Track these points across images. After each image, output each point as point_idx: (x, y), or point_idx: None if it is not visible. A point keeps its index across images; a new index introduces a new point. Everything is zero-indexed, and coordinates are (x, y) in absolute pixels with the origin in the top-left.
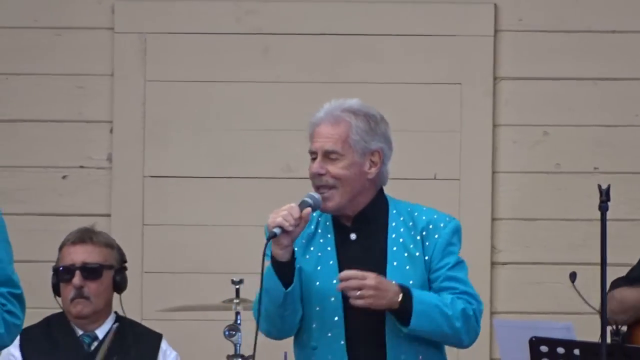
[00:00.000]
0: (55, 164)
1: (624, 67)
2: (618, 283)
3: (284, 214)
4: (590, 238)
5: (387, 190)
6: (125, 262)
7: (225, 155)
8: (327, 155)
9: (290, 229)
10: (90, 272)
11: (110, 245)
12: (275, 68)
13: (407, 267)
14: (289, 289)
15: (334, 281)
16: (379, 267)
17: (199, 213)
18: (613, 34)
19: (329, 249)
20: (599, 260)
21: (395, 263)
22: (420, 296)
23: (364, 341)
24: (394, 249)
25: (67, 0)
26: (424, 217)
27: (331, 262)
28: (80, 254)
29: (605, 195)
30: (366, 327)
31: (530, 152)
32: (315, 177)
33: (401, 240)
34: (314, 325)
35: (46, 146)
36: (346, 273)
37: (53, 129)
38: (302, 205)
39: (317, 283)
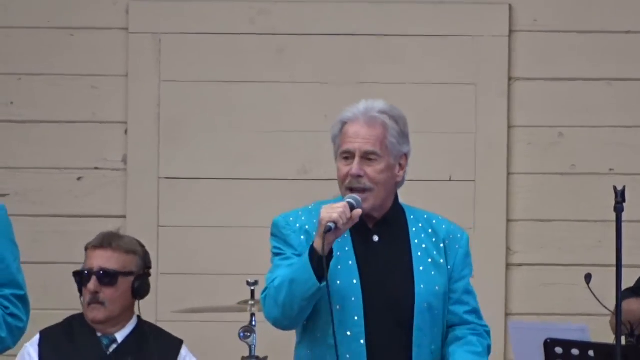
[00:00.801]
0: (70, 166)
1: (638, 68)
2: (625, 295)
3: (339, 211)
4: (605, 239)
5: (403, 191)
6: (149, 267)
7: (240, 156)
8: (366, 157)
9: (342, 227)
10: (107, 278)
11: (133, 251)
12: (289, 69)
13: (433, 273)
14: (323, 283)
15: (354, 281)
16: (405, 271)
17: (214, 214)
18: (628, 35)
19: (347, 249)
20: (614, 261)
21: (421, 268)
22: None
23: (386, 345)
24: (419, 254)
25: (82, 1)
26: (443, 227)
27: (350, 262)
28: (99, 259)
29: (620, 197)
30: (389, 328)
31: (545, 153)
32: (352, 178)
33: (424, 246)
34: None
35: (61, 147)
36: None
37: (68, 130)
38: (350, 206)
39: (338, 282)
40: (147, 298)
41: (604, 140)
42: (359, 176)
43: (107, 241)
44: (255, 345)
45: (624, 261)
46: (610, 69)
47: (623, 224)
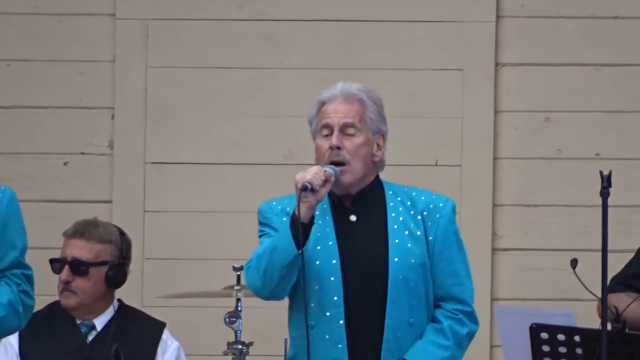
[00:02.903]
0: (56, 151)
1: (626, 53)
2: (614, 288)
3: (313, 171)
4: (591, 224)
5: (389, 176)
6: (126, 257)
7: (227, 141)
8: (344, 130)
9: (318, 188)
10: (78, 268)
11: (107, 240)
12: (277, 54)
13: (409, 245)
14: (301, 249)
15: (334, 261)
16: (381, 246)
17: (200, 199)
18: (615, 20)
19: (327, 230)
20: (600, 246)
21: (397, 240)
22: None
23: (364, 322)
24: (395, 227)
25: None
26: (422, 198)
27: (330, 243)
28: (72, 249)
29: (606, 182)
30: (367, 307)
31: (532, 138)
32: (331, 150)
33: (401, 218)
34: (312, 305)
35: (48, 133)
36: None
37: (54, 116)
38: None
39: (317, 262)
40: (132, 283)
41: (590, 125)
42: (338, 148)
43: (80, 231)
44: (241, 331)
45: (610, 246)
46: (598, 54)
47: (609, 209)
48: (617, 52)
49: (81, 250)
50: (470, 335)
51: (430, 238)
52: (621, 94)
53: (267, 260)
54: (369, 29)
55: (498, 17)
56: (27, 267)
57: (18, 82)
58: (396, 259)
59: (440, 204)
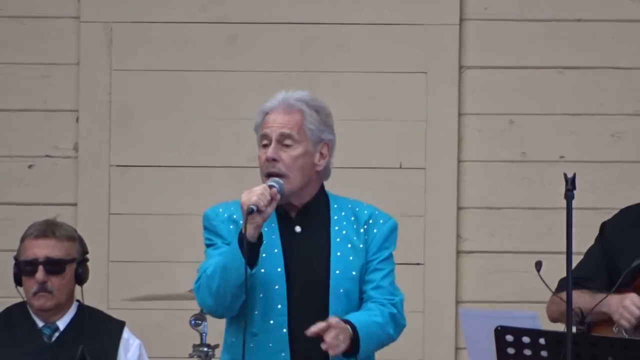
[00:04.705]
0: (21, 153)
1: (589, 56)
2: (563, 285)
3: (258, 192)
4: (555, 227)
5: (353, 178)
6: (87, 253)
7: (192, 144)
8: (282, 141)
9: (264, 208)
10: (54, 266)
11: (72, 238)
12: (241, 57)
13: (351, 258)
14: (254, 270)
15: (279, 269)
16: (324, 257)
17: (165, 202)
18: (579, 23)
19: (273, 237)
20: (564, 249)
21: (338, 253)
22: (359, 321)
23: (307, 329)
24: (337, 240)
25: None
26: (365, 212)
27: (276, 251)
28: (43, 249)
29: (571, 184)
30: (310, 317)
31: (496, 141)
32: (268, 162)
33: (344, 232)
34: (256, 312)
35: (12, 135)
36: (314, 330)
37: (19, 119)
38: (271, 188)
39: (262, 270)
40: (98, 285)
41: (554, 128)
42: (274, 160)
43: (50, 230)
44: (206, 334)
45: (575, 248)
46: (561, 57)
47: (573, 211)
48: (581, 54)
49: (53, 249)
50: (394, 318)
51: (365, 248)
52: (585, 97)
53: (219, 281)
54: (332, 31)
55: (462, 19)
56: None
57: None
58: (337, 272)
59: (381, 221)
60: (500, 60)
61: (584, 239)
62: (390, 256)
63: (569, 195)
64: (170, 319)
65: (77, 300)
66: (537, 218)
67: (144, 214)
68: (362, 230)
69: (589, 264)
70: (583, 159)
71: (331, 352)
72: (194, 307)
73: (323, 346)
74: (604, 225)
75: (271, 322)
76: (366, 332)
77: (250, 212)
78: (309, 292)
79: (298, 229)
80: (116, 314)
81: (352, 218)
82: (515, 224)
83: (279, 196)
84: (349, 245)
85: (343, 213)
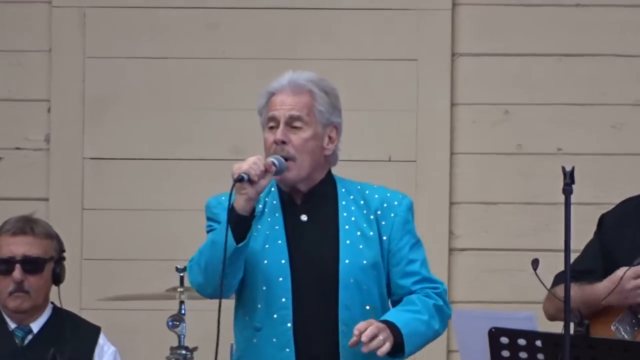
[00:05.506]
0: None
1: (588, 42)
2: (561, 277)
3: (250, 161)
4: (553, 223)
5: (340, 172)
6: (64, 251)
7: (170, 135)
8: (291, 123)
9: (256, 178)
10: (32, 265)
11: (50, 235)
12: (221, 44)
13: (361, 246)
14: (241, 244)
15: (283, 261)
16: (332, 246)
17: (142, 197)
18: (577, 8)
19: (277, 227)
20: (562, 246)
21: (348, 242)
22: (401, 319)
23: (314, 325)
24: (346, 227)
25: None
26: (376, 196)
27: (280, 242)
28: (21, 246)
29: (569, 178)
30: (317, 311)
31: (491, 133)
32: (276, 145)
33: (353, 219)
34: (259, 306)
35: None
36: (360, 330)
37: None
38: (273, 164)
39: (265, 262)
40: (70, 285)
41: (551, 119)
42: (283, 142)
43: (27, 226)
44: (184, 335)
45: (573, 246)
46: (559, 43)
47: (572, 207)
48: (580, 41)
49: (31, 247)
50: (440, 310)
51: (384, 238)
52: (584, 86)
53: (207, 256)
54: (317, 17)
55: (454, 4)
56: None
57: None
58: (347, 261)
59: (395, 202)
60: (495, 47)
61: (583, 236)
62: (418, 240)
63: (567, 190)
64: (146, 320)
65: (52, 303)
66: (533, 214)
67: (119, 209)
68: (372, 217)
69: (585, 257)
70: (582, 152)
71: (367, 350)
72: (171, 307)
73: (363, 349)
74: (602, 218)
75: (275, 316)
76: (410, 330)
77: (239, 179)
78: (315, 284)
79: (304, 217)
80: (90, 315)
81: (362, 202)
82: (511, 219)
83: (273, 168)
84: (358, 233)
85: (352, 197)
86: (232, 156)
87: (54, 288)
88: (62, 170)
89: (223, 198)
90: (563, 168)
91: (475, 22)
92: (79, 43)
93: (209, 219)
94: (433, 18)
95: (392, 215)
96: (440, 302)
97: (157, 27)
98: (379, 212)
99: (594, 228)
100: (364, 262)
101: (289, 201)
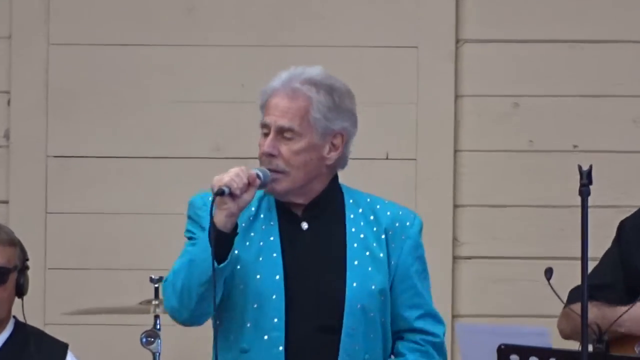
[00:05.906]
0: None
1: (605, 28)
2: (576, 294)
3: (232, 173)
4: (568, 228)
5: None
6: (27, 259)
7: (143, 131)
8: (281, 133)
9: (238, 192)
10: None
11: (14, 242)
12: (201, 30)
13: (370, 269)
14: (223, 265)
15: (277, 277)
16: (337, 265)
17: (112, 199)
18: None
19: (272, 238)
20: (579, 254)
21: (356, 262)
22: None
23: (310, 352)
24: (355, 245)
25: None
26: (388, 213)
27: (274, 255)
28: None
29: (586, 178)
30: (313, 334)
31: (499, 128)
32: (264, 157)
33: (362, 236)
34: (247, 325)
35: None
36: None
37: None
38: (257, 176)
39: (258, 276)
40: (33, 297)
41: (566, 112)
42: (272, 155)
43: None
44: (160, 352)
45: (591, 253)
46: (573, 29)
47: (589, 210)
48: (596, 26)
49: None
50: (444, 347)
51: (392, 262)
52: (601, 75)
53: (184, 276)
54: (309, 0)
55: None
56: None
57: None
58: (355, 284)
59: (407, 223)
60: (502, 33)
61: (601, 242)
62: (426, 268)
63: (584, 191)
64: (117, 335)
65: (14, 317)
66: (546, 218)
67: (87, 212)
68: (383, 236)
69: (602, 269)
70: (600, 149)
71: None
72: (146, 322)
73: None
74: (622, 225)
75: (265, 337)
76: None
77: (219, 193)
78: (313, 304)
79: (305, 225)
80: (55, 331)
81: (372, 218)
82: (521, 224)
83: (258, 182)
84: (367, 253)
85: (360, 210)
86: (213, 154)
87: (16, 301)
88: (24, 169)
89: (210, 198)
90: (579, 167)
91: (481, 5)
92: (43, 29)
93: (190, 218)
94: (435, 1)
95: (403, 237)
96: (438, 340)
97: (130, 11)
98: (390, 232)
99: (613, 233)
100: (373, 287)
101: (288, 211)
